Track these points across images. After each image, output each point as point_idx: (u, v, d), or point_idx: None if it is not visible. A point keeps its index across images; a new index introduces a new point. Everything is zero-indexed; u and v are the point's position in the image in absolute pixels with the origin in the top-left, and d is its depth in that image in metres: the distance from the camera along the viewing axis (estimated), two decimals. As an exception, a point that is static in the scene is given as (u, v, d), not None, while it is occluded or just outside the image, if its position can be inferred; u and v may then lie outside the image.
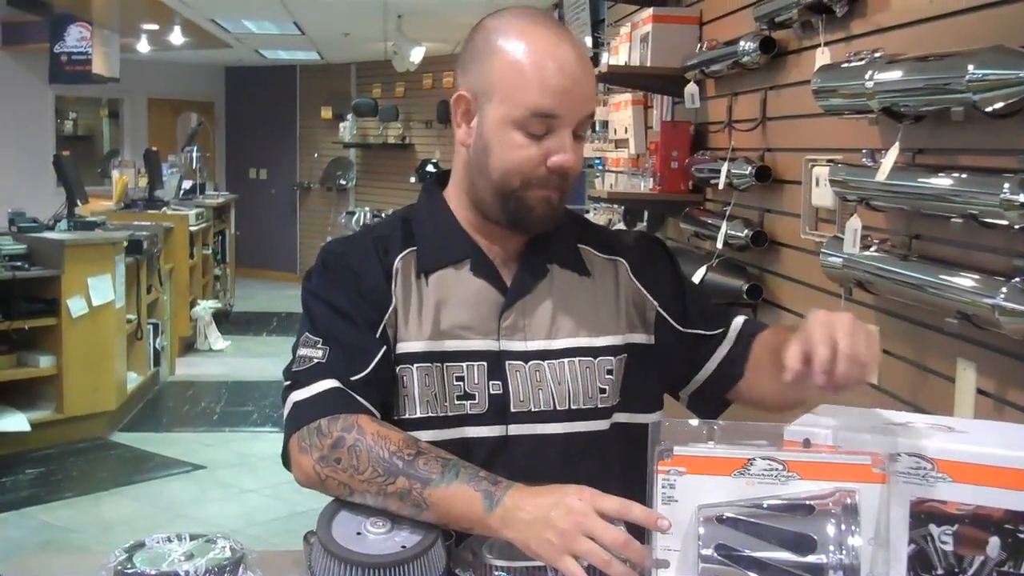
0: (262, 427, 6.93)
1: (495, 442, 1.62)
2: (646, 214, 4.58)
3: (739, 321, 1.81)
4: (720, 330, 1.78)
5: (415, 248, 1.68)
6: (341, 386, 1.56)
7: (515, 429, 1.62)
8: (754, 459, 1.36)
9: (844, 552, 1.32)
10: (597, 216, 5.33)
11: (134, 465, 6.11)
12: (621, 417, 1.71)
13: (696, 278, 3.39)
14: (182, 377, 8.25)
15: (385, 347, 1.60)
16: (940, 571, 1.42)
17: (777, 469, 1.36)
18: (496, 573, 1.41)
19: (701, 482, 1.37)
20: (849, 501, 1.35)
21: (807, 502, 1.35)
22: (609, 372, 1.69)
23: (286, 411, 1.59)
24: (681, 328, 1.76)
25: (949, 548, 1.41)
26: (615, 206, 4.88)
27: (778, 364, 1.46)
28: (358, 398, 1.55)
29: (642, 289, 1.75)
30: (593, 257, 1.76)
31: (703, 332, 1.78)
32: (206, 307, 9.38)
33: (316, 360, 1.58)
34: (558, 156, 1.57)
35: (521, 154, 1.57)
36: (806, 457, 1.37)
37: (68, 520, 5.14)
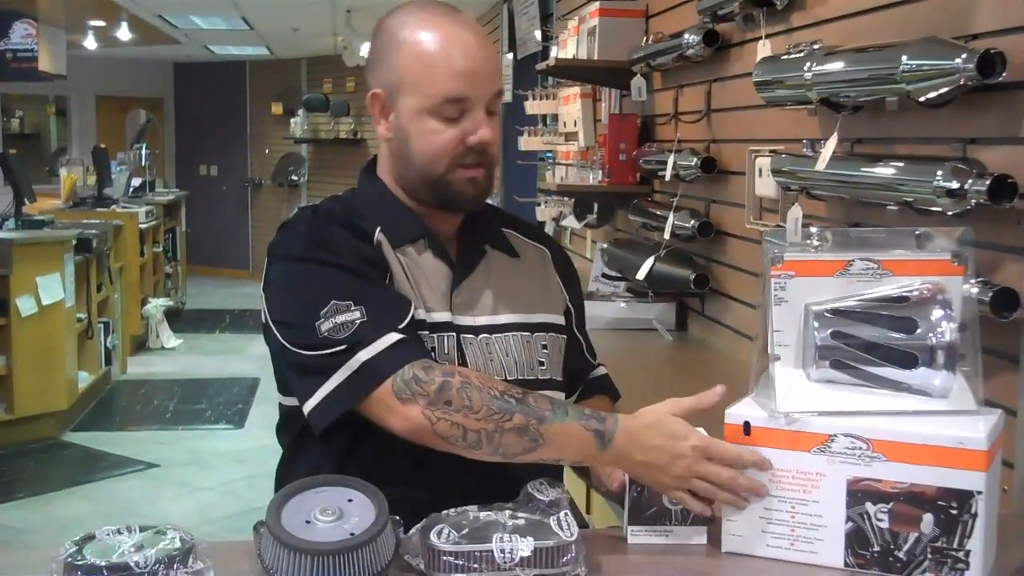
0: (216, 424, 6.91)
1: None
2: (595, 206, 4.61)
3: (601, 370, 1.98)
4: (590, 360, 1.96)
5: (379, 226, 1.72)
6: (405, 336, 1.58)
7: None
8: (853, 260, 1.54)
9: (942, 332, 1.50)
10: (548, 209, 5.36)
11: (87, 464, 6.07)
12: (560, 396, 1.79)
13: (644, 269, 3.43)
14: (134, 376, 8.18)
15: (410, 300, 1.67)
16: (877, 548, 1.48)
17: (873, 268, 1.54)
18: (444, 558, 1.44)
19: (808, 283, 1.56)
20: (939, 291, 1.52)
21: (903, 293, 1.53)
22: (544, 347, 1.79)
23: (346, 374, 1.56)
24: (574, 328, 1.90)
25: (885, 525, 1.47)
26: (565, 199, 4.92)
27: None
28: (422, 344, 1.61)
29: (559, 280, 1.90)
30: (519, 241, 1.88)
31: (583, 344, 1.94)
32: (157, 305, 9.31)
33: (359, 320, 1.57)
34: (476, 134, 1.65)
35: (441, 139, 1.65)
36: (897, 255, 1.55)
37: (21, 521, 5.10)
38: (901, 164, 2.04)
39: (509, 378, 1.71)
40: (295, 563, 1.41)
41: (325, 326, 1.57)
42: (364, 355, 1.56)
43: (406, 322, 1.60)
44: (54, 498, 5.45)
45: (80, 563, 1.34)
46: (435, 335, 1.68)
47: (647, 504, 1.58)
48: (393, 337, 1.57)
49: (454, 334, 1.70)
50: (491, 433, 1.52)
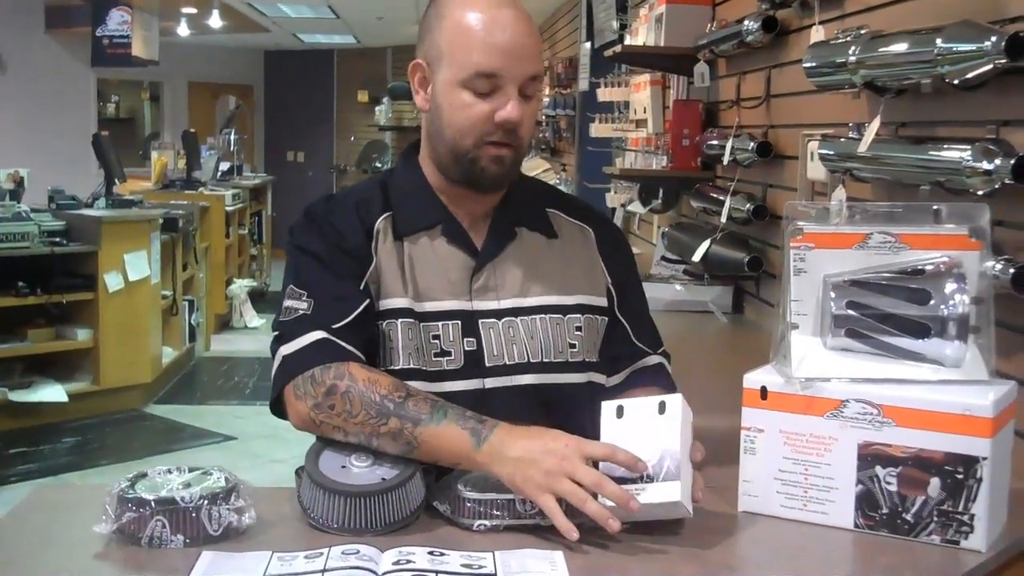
0: (293, 401, 7.03)
1: (474, 394, 1.70)
2: (660, 191, 4.66)
3: (653, 360, 1.88)
4: (640, 347, 1.87)
5: (392, 213, 1.77)
6: (327, 336, 1.63)
7: (491, 382, 1.72)
8: (872, 234, 1.59)
9: (955, 304, 1.54)
10: (617, 195, 5.41)
11: (167, 435, 6.24)
12: (598, 378, 1.82)
13: (699, 252, 3.48)
14: (217, 353, 8.37)
15: (368, 300, 1.69)
16: (885, 510, 1.53)
17: (891, 241, 1.58)
18: (468, 505, 1.53)
19: (827, 255, 1.60)
20: (954, 265, 1.56)
21: (919, 266, 1.57)
22: (578, 329, 1.79)
23: (276, 364, 1.66)
24: (616, 311, 1.86)
25: (894, 488, 1.52)
26: (632, 184, 4.98)
27: None
28: (344, 345, 1.63)
29: (601, 261, 1.87)
30: (562, 221, 1.86)
31: (628, 328, 1.86)
32: (242, 286, 9.47)
33: (301, 311, 1.66)
34: (503, 111, 1.65)
35: (470, 113, 1.67)
36: (915, 230, 1.59)
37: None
38: (933, 145, 2.08)
39: (532, 360, 1.74)
40: (330, 503, 1.51)
41: (283, 307, 1.68)
42: (285, 349, 1.65)
43: (345, 321, 1.65)
44: (135, 466, 5.49)
45: (131, 496, 1.45)
46: (437, 323, 1.72)
47: None
48: (314, 336, 1.63)
49: (459, 321, 1.72)
50: (368, 436, 1.58)
